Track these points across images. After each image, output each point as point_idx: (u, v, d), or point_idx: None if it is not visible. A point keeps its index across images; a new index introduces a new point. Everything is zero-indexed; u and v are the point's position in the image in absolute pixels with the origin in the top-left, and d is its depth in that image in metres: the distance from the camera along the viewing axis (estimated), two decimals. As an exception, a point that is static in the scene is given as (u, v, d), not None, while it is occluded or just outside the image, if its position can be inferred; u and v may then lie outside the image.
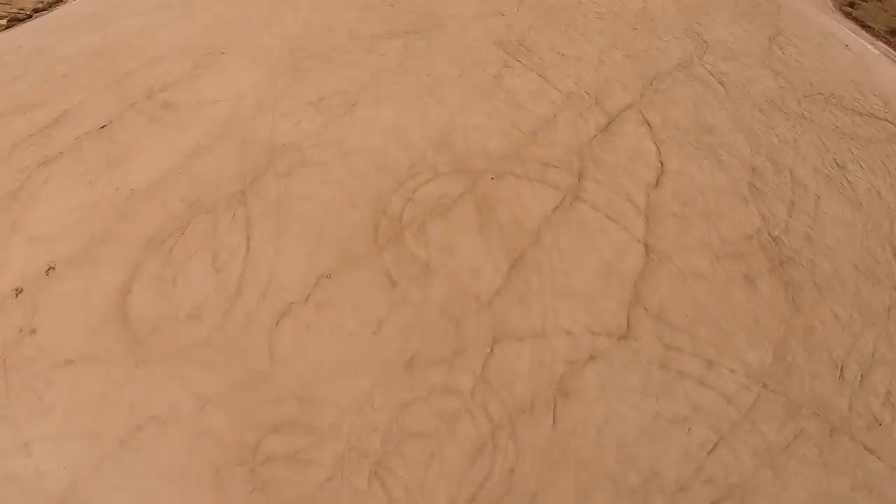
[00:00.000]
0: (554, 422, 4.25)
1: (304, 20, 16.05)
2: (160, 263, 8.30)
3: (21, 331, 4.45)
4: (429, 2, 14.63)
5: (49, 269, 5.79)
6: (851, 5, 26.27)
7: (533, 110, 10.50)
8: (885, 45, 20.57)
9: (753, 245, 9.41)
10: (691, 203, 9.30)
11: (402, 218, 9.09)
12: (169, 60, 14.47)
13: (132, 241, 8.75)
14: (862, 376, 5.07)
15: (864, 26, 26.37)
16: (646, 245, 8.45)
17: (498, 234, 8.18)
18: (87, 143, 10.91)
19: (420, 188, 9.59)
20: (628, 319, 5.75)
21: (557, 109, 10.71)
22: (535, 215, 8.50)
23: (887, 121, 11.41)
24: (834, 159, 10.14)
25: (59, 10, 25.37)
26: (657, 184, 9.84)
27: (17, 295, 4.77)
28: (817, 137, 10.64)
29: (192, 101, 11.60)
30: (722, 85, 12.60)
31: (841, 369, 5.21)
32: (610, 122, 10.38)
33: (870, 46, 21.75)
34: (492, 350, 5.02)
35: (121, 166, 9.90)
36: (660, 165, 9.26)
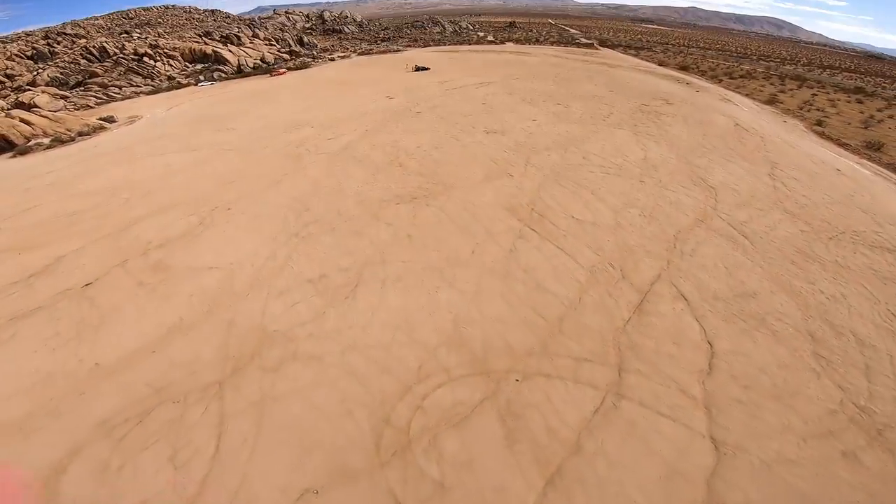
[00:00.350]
0: None
1: (314, 178, 16.27)
2: (108, 448, 6.51)
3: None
4: (437, 163, 14.99)
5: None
6: (819, 124, 27.37)
7: (556, 292, 9.78)
8: (869, 163, 20.72)
9: (841, 419, 8.20)
10: (755, 385, 8.45)
11: (410, 429, 7.88)
12: (176, 211, 13.69)
13: (81, 419, 7.88)
14: None
15: (840, 144, 27.18)
16: (713, 439, 7.43)
17: (528, 446, 7.02)
18: (65, 302, 9.99)
19: (431, 394, 8.66)
20: (708, 524, 4.67)
21: (582, 289, 9.99)
22: (572, 421, 7.46)
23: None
24: (888, 309, 9.23)
25: (99, 138, 26.85)
26: (710, 368, 8.83)
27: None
28: (862, 288, 9.88)
29: (187, 264, 10.86)
30: (746, 237, 12.16)
31: None
32: (643, 300, 9.49)
33: (857, 167, 22.04)
34: None
35: (92, 335, 9.03)
36: (708, 346, 8.35)
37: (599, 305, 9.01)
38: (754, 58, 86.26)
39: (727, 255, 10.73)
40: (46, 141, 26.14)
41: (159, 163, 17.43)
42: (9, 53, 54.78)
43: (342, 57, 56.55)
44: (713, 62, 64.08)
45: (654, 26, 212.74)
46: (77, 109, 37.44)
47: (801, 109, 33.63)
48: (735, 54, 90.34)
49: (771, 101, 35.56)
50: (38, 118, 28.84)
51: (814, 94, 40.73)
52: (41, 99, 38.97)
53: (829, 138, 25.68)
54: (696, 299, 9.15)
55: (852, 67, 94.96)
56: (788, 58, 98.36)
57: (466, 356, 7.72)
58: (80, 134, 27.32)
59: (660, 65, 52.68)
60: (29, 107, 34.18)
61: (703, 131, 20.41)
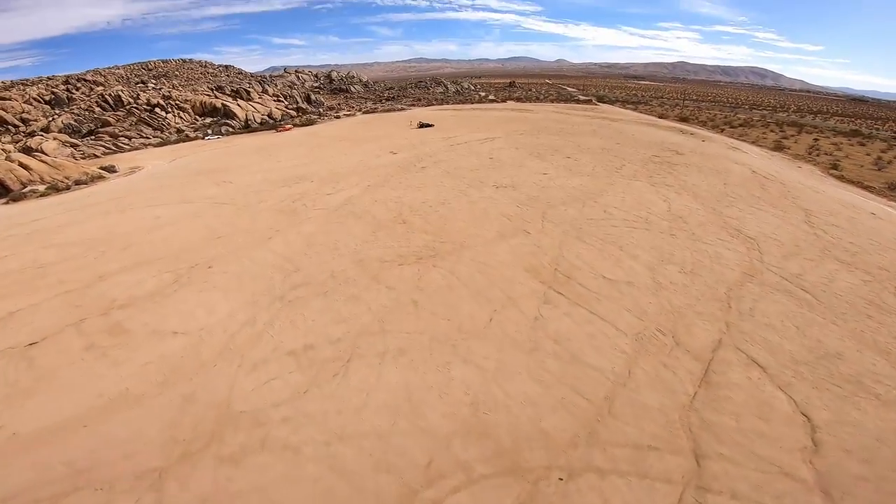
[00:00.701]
0: None
1: (308, 235, 14.77)
2: (4, 534, 5.11)
3: None
4: (444, 219, 13.61)
5: None
6: (835, 167, 26.42)
7: (597, 365, 8.29)
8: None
9: None
10: (875, 458, 6.99)
11: (419, 555, 5.49)
12: (152, 267, 12.47)
13: (-24, 498, 5.48)
14: None
15: (863, 187, 25.53)
16: (844, 529, 4.86)
17: (591, 573, 5.39)
18: (2, 361, 9.14)
19: (446, 501, 6.12)
20: None
21: (630, 360, 8.55)
22: (644, 531, 5.26)
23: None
24: None
25: (96, 187, 25.91)
26: (816, 444, 7.46)
27: None
28: (955, 341, 8.34)
29: (150, 328, 9.71)
30: (807, 292, 10.60)
31: None
32: (707, 370, 8.05)
33: (889, 210, 20.22)
34: None
35: (21, 400, 8.39)
36: (805, 419, 6.80)
37: (655, 379, 7.59)
38: (746, 107, 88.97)
39: (792, 312, 9.63)
40: (42, 188, 25.72)
41: (148, 215, 16.81)
42: (27, 97, 55.92)
43: (347, 115, 57.95)
44: (710, 113, 65.55)
45: (646, 82, 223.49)
46: (83, 158, 37.57)
47: (809, 154, 33.56)
48: (728, 104, 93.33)
49: (779, 148, 35.48)
50: (37, 163, 28.50)
51: (816, 139, 40.90)
52: (49, 145, 39.20)
53: (849, 181, 24.99)
54: (773, 365, 8.01)
55: (840, 111, 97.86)
56: (778, 105, 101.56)
57: (490, 449, 6.17)
58: (78, 182, 26.90)
59: (660, 117, 53.65)
60: (36, 152, 34.09)
61: (723, 180, 19.63)
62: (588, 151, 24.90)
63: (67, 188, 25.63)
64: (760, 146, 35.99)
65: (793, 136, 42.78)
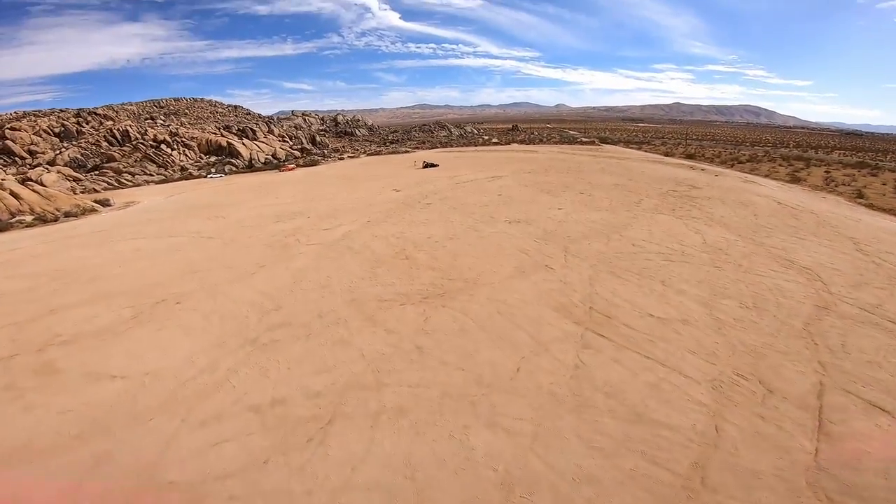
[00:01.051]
0: None
1: (297, 271, 12.84)
2: None
3: None
4: (453, 255, 11.04)
5: None
6: (861, 196, 24.41)
7: (671, 423, 6.47)
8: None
9: None
10: None
11: None
12: (113, 301, 11.25)
13: None
14: None
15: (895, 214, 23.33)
16: None
17: None
18: None
19: None
20: None
21: (714, 414, 6.68)
22: None
23: None
24: None
25: (85, 220, 23.56)
26: None
27: None
28: None
29: (85, 369, 8.44)
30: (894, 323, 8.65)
31: None
32: (820, 420, 6.64)
33: None
34: None
35: None
36: None
37: (755, 436, 5.91)
38: (747, 144, 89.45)
39: (889, 346, 8.22)
40: (29, 218, 24.92)
41: (128, 248, 15.88)
42: (38, 128, 56.09)
43: (351, 157, 58.07)
44: (714, 150, 65.41)
45: (645, 124, 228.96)
46: (83, 192, 36.90)
47: (827, 185, 32.55)
48: (729, 142, 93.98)
49: (795, 180, 34.49)
50: (28, 193, 27.64)
51: (827, 171, 40.04)
52: (48, 177, 38.68)
53: (881, 209, 23.69)
54: (899, 411, 6.49)
55: (838, 145, 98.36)
56: (777, 142, 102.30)
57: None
58: (68, 214, 25.97)
59: (666, 155, 53.26)
60: (31, 182, 33.32)
61: (751, 212, 18.27)
62: (601, 187, 23.71)
63: (56, 220, 24.77)
64: (775, 179, 35.00)
65: (802, 169, 41.99)
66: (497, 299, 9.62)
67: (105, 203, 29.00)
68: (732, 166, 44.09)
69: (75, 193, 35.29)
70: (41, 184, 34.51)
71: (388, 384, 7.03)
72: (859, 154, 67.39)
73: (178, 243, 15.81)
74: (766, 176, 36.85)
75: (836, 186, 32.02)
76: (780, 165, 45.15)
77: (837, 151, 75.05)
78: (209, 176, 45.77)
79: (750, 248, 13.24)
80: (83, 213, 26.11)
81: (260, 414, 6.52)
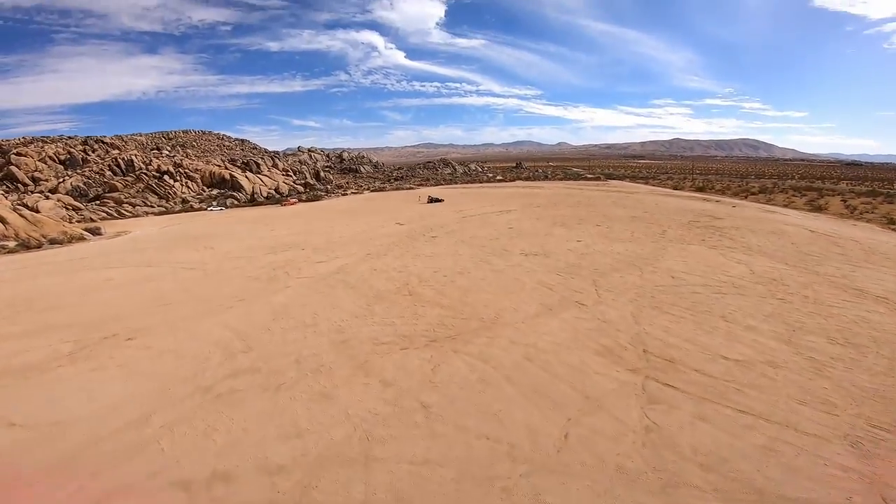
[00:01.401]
0: None
1: (280, 306, 10.61)
2: None
3: None
4: (465, 290, 8.90)
5: None
6: (893, 221, 22.12)
7: (822, 501, 4.68)
8: None
9: None
10: None
11: None
12: (57, 334, 10.44)
13: None
14: None
15: None
16: None
17: None
18: None
19: None
20: None
21: (870, 482, 5.05)
22: None
23: None
24: None
25: (69, 247, 26.06)
26: None
27: None
28: None
29: None
30: None
31: None
32: None
33: None
34: None
35: None
36: None
37: None
38: (752, 176, 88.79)
39: None
40: (12, 244, 23.89)
41: (100, 277, 14.65)
42: (43, 154, 55.78)
43: (355, 193, 57.49)
44: (722, 183, 64.48)
45: (646, 161, 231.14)
46: (80, 222, 35.94)
47: (851, 213, 31.04)
48: (735, 175, 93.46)
49: (816, 209, 33.02)
50: (15, 217, 26.53)
51: (843, 200, 38.61)
52: (45, 204, 37.92)
53: None
54: None
55: (842, 175, 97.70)
56: (781, 174, 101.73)
57: None
58: (53, 241, 24.79)
59: (675, 189, 52.24)
60: (30, 210, 32.37)
61: (788, 240, 16.67)
62: (617, 220, 22.24)
63: (39, 246, 23.63)
64: (794, 209, 33.58)
65: (817, 198, 40.65)
66: (524, 342, 7.80)
67: (95, 231, 27.83)
68: (746, 197, 42.78)
69: (70, 222, 34.36)
70: (36, 210, 33.65)
71: (382, 458, 5.17)
72: (866, 183, 66.34)
73: (155, 273, 14.31)
74: (785, 206, 35.46)
75: (860, 214, 30.62)
76: (793, 196, 43.85)
77: (843, 181, 74.22)
78: (210, 209, 45.00)
79: (806, 277, 11.50)
80: (70, 241, 24.93)
81: (189, 494, 4.66)
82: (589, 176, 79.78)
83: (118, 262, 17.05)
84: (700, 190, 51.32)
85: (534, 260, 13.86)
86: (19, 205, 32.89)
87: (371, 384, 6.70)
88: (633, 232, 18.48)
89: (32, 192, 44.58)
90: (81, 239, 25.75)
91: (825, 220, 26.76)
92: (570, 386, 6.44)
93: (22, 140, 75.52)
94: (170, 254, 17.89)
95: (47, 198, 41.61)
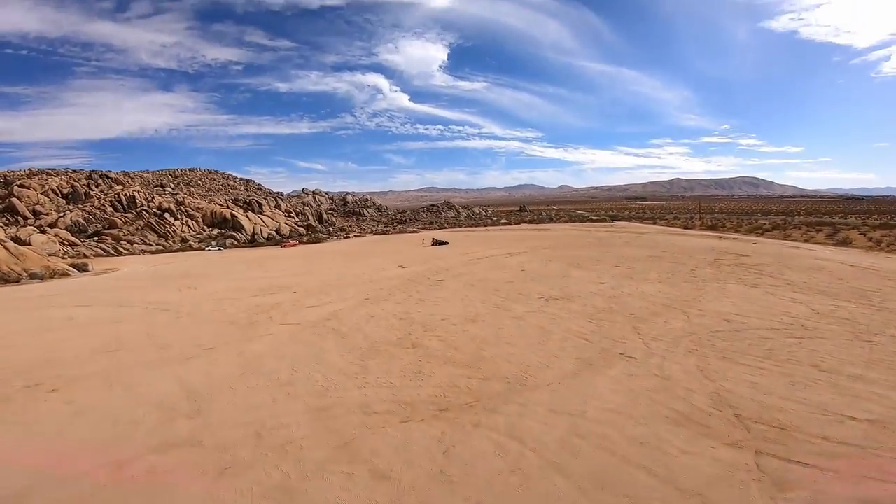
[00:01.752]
0: None
1: (253, 357, 8.97)
2: None
3: None
4: (480, 342, 7.52)
5: None
6: None
7: None
8: None
9: None
10: None
11: None
12: (6, 374, 9.83)
13: None
14: None
15: None
16: None
17: None
18: None
19: None
20: None
21: None
22: None
23: None
24: None
25: (48, 283, 24.60)
26: None
27: None
28: None
29: None
30: None
31: None
32: None
33: None
34: None
35: None
36: None
37: None
38: (758, 214, 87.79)
39: None
40: None
41: (61, 315, 13.41)
42: (46, 188, 55.21)
43: (357, 236, 56.58)
44: (731, 222, 63.22)
45: (649, 202, 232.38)
46: (73, 258, 34.72)
47: (878, 246, 29.85)
48: (740, 214, 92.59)
49: (839, 244, 31.53)
50: None
51: (862, 234, 37.19)
52: (38, 238, 36.92)
53: None
54: None
55: (847, 210, 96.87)
56: (787, 210, 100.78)
57: None
58: (34, 276, 23.34)
59: (685, 228, 50.95)
60: (22, 243, 31.19)
61: (834, 276, 15.04)
62: (636, 260, 20.57)
63: (17, 280, 22.28)
64: (816, 244, 32.03)
65: (833, 233, 39.21)
66: (567, 411, 5.85)
67: (82, 268, 26.45)
68: (762, 234, 41.25)
69: (63, 257, 33.16)
70: (28, 244, 32.56)
71: None
72: (875, 217, 65.07)
73: (123, 314, 12.82)
74: (806, 241, 33.88)
75: (887, 246, 29.49)
76: (809, 231, 42.38)
77: (850, 216, 73.11)
78: (208, 248, 43.83)
79: (880, 315, 9.74)
80: (52, 276, 23.55)
81: None
82: (594, 218, 78.86)
83: (90, 300, 15.71)
84: (711, 228, 49.97)
85: (556, 305, 12.05)
86: (10, 237, 31.86)
87: (356, 475, 4.80)
88: (658, 273, 16.75)
89: (31, 225, 43.83)
90: (65, 275, 24.36)
91: (856, 254, 25.06)
92: (649, 473, 4.50)
93: (27, 172, 75.55)
94: (148, 293, 16.36)
95: (43, 232, 40.68)
